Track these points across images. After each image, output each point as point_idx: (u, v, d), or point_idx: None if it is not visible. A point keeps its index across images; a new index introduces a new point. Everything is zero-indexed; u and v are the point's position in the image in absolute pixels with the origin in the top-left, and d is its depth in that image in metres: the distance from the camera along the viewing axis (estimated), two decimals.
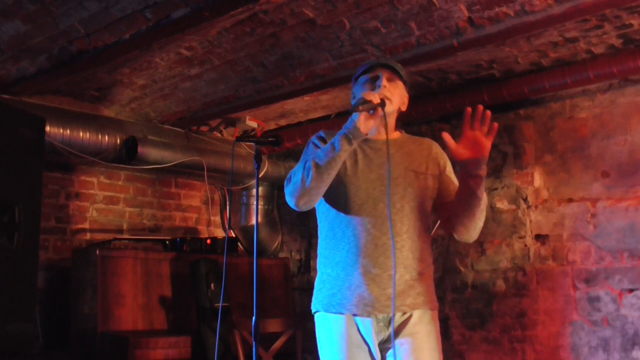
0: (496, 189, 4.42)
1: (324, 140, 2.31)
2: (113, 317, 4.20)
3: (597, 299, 3.95)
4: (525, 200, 4.31)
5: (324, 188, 2.16)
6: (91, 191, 4.86)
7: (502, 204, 4.40)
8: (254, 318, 2.38)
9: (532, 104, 4.30)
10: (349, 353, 2.19)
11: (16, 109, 3.65)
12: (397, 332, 2.20)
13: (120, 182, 5.03)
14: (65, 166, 4.63)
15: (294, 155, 5.46)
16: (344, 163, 2.24)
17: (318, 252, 2.35)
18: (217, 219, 5.66)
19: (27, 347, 3.41)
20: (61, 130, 4.16)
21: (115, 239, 4.84)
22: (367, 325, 2.20)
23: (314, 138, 2.37)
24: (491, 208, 4.45)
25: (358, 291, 2.19)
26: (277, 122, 5.10)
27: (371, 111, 2.13)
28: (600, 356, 3.90)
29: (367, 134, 2.16)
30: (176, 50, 3.68)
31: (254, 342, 2.39)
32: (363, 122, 2.12)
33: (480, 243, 4.47)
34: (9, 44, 3.57)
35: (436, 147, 2.40)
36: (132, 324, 4.28)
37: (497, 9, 3.12)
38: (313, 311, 2.33)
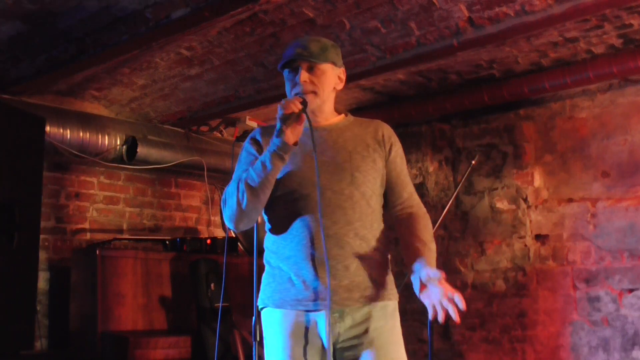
0: (496, 189, 4.42)
1: (258, 144, 2.22)
2: (113, 317, 4.20)
3: (597, 299, 3.95)
4: (525, 200, 4.31)
5: (261, 206, 2.09)
6: (91, 191, 4.86)
7: (502, 204, 4.40)
8: (254, 318, 2.38)
9: (532, 104, 4.30)
10: (295, 350, 2.07)
11: (16, 109, 3.65)
12: (360, 326, 2.08)
13: (120, 182, 5.03)
14: (65, 166, 4.63)
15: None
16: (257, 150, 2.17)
17: (265, 246, 2.22)
18: (217, 219, 5.65)
19: (27, 347, 3.41)
20: (61, 130, 4.16)
21: (115, 239, 4.84)
22: (320, 319, 2.06)
23: (246, 143, 2.26)
24: (491, 208, 4.45)
25: (313, 285, 2.05)
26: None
27: (302, 120, 2.03)
28: (600, 356, 3.90)
29: (296, 142, 2.05)
30: (176, 50, 3.68)
31: (254, 342, 2.39)
32: (290, 135, 2.02)
33: (480, 243, 4.47)
34: (9, 44, 3.58)
35: (385, 129, 2.24)
36: (132, 324, 4.28)
37: (497, 9, 3.12)
38: (260, 307, 2.21)
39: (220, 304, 2.77)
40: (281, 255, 2.13)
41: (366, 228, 2.12)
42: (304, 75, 2.13)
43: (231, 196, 2.08)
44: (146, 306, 4.39)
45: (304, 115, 2.03)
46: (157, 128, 4.84)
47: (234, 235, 5.57)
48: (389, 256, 2.21)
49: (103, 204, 4.92)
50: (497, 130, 4.46)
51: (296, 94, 2.12)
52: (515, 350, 4.21)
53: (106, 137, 4.41)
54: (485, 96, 4.11)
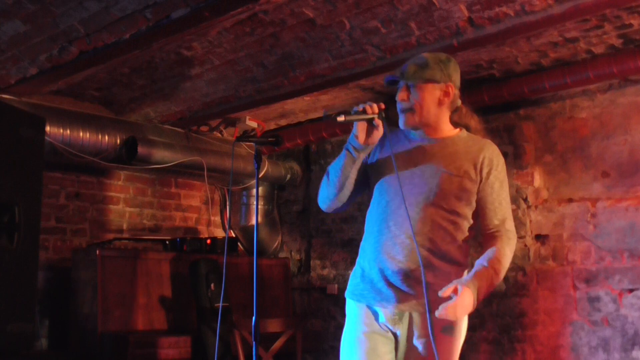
0: None
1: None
2: (113, 317, 4.20)
3: (597, 299, 3.95)
4: (525, 200, 4.31)
5: (341, 194, 2.34)
6: (91, 191, 4.86)
7: None
8: (254, 318, 2.38)
9: (532, 104, 4.30)
10: (359, 336, 2.29)
11: (16, 109, 3.65)
12: (416, 331, 2.24)
13: (120, 182, 5.03)
14: (65, 166, 4.63)
15: (294, 155, 5.46)
16: (387, 160, 2.32)
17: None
18: (217, 219, 5.66)
19: (27, 347, 3.41)
20: (61, 130, 4.16)
21: (115, 239, 4.84)
22: (383, 315, 2.26)
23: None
24: None
25: (378, 286, 2.25)
26: (277, 122, 5.10)
27: (373, 123, 2.21)
28: (600, 356, 3.90)
29: (370, 144, 2.25)
30: (176, 50, 3.68)
31: (254, 342, 2.39)
32: (360, 133, 2.22)
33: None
34: (9, 44, 3.57)
35: (488, 152, 2.30)
36: (132, 324, 4.28)
37: (497, 9, 3.12)
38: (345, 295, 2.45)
39: (220, 304, 2.77)
40: (363, 253, 2.37)
41: (436, 242, 2.23)
42: (400, 94, 2.32)
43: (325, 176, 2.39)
44: (146, 306, 4.39)
45: (380, 122, 2.21)
46: (157, 128, 4.84)
47: (234, 235, 5.57)
48: (461, 272, 2.30)
49: (103, 204, 4.92)
50: (497, 130, 4.46)
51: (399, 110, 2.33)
52: (515, 350, 4.21)
53: (106, 137, 4.41)
54: (485, 96, 4.11)
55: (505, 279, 4.33)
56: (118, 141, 4.47)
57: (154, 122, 4.85)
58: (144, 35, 3.29)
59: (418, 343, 2.23)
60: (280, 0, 3.05)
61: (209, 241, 4.86)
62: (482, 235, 2.33)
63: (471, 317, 4.67)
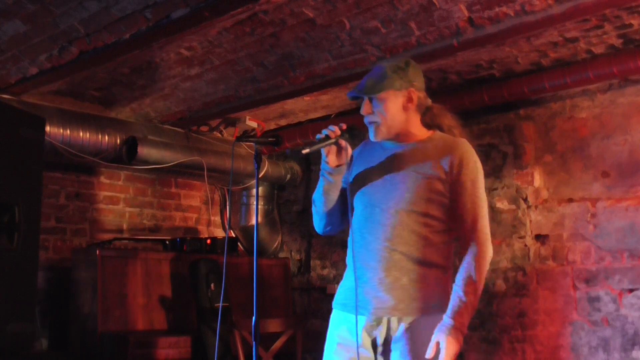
0: (496, 189, 4.42)
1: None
2: (113, 317, 4.20)
3: (597, 299, 3.95)
4: (525, 200, 4.31)
5: (330, 218, 2.42)
6: (91, 191, 4.86)
7: (502, 204, 4.40)
8: (254, 318, 2.38)
9: (532, 104, 4.30)
10: (335, 348, 2.31)
11: (16, 109, 3.65)
12: (391, 337, 2.23)
13: (120, 182, 5.03)
14: (65, 166, 4.63)
15: (294, 156, 5.46)
16: (362, 173, 2.36)
17: None
18: (217, 219, 5.66)
19: (27, 347, 3.41)
20: (61, 130, 4.16)
21: (115, 239, 4.84)
22: (360, 323, 2.24)
23: None
24: (491, 208, 4.45)
25: (353, 292, 2.25)
26: (277, 122, 5.10)
27: (338, 144, 2.28)
28: (600, 356, 3.90)
29: (341, 164, 2.31)
30: (176, 50, 3.68)
31: (254, 342, 2.39)
32: (329, 157, 2.30)
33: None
34: (9, 44, 3.57)
35: (459, 152, 2.26)
36: (132, 324, 4.28)
37: (497, 9, 3.12)
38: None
39: (220, 304, 2.76)
40: (347, 262, 2.40)
41: (408, 245, 2.22)
42: (364, 109, 2.33)
43: None
44: (146, 306, 4.39)
45: (344, 142, 2.28)
46: (157, 128, 4.84)
47: (234, 235, 5.57)
48: (441, 275, 2.26)
49: (103, 204, 4.92)
50: (497, 130, 4.46)
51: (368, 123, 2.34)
52: (515, 350, 4.21)
53: (106, 137, 4.41)
54: (485, 96, 4.11)
55: (505, 279, 4.34)
56: (118, 141, 4.47)
57: (154, 122, 4.85)
58: (144, 35, 3.29)
59: (395, 348, 2.21)
60: (280, 0, 3.05)
61: (209, 241, 4.86)
62: (459, 238, 2.30)
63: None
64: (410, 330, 2.19)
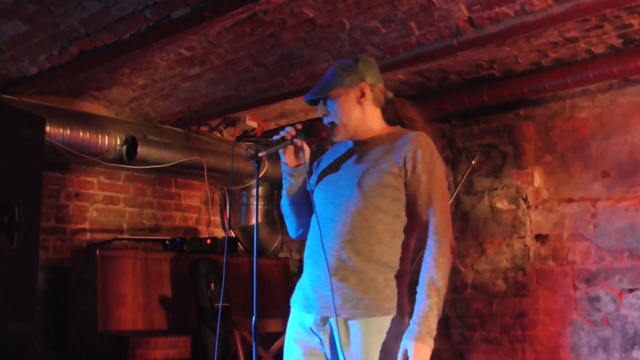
0: (496, 189, 4.42)
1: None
2: (113, 317, 4.20)
3: (597, 299, 3.95)
4: (525, 200, 4.31)
5: (300, 221, 2.44)
6: (91, 191, 4.86)
7: (502, 204, 4.40)
8: (254, 318, 2.37)
9: (532, 104, 4.30)
10: (290, 344, 2.30)
11: (16, 109, 3.65)
12: (336, 338, 2.15)
13: (120, 182, 5.03)
14: (65, 166, 4.63)
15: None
16: (321, 173, 2.37)
17: None
18: (217, 219, 5.66)
19: (26, 347, 3.41)
20: (61, 130, 4.16)
21: (115, 239, 4.84)
22: (312, 321, 2.24)
23: None
24: (491, 208, 4.45)
25: (306, 291, 2.27)
26: (277, 122, 5.10)
27: (294, 144, 2.30)
28: (600, 356, 3.90)
29: (300, 164, 2.33)
30: (176, 50, 3.68)
31: (254, 342, 2.39)
32: (287, 159, 2.33)
33: (480, 243, 4.47)
34: (9, 44, 3.58)
35: (413, 145, 2.19)
36: (132, 324, 4.28)
37: (497, 9, 3.12)
38: None
39: (220, 304, 2.76)
40: (304, 262, 2.40)
41: (360, 243, 2.17)
42: (320, 111, 2.35)
43: None
44: (146, 306, 4.39)
45: (300, 141, 2.30)
46: (157, 128, 4.84)
47: (234, 235, 5.57)
48: (396, 272, 2.18)
49: (103, 204, 4.92)
50: (497, 130, 4.46)
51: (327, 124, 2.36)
52: (515, 350, 4.21)
53: (106, 137, 4.41)
54: (485, 96, 4.11)
55: (505, 279, 4.34)
56: (118, 141, 4.48)
57: (154, 122, 4.85)
58: (144, 35, 3.29)
59: (341, 349, 2.13)
60: (280, 0, 3.05)
61: (209, 241, 4.86)
62: (418, 230, 2.24)
63: (471, 317, 4.68)
64: (357, 332, 2.12)
